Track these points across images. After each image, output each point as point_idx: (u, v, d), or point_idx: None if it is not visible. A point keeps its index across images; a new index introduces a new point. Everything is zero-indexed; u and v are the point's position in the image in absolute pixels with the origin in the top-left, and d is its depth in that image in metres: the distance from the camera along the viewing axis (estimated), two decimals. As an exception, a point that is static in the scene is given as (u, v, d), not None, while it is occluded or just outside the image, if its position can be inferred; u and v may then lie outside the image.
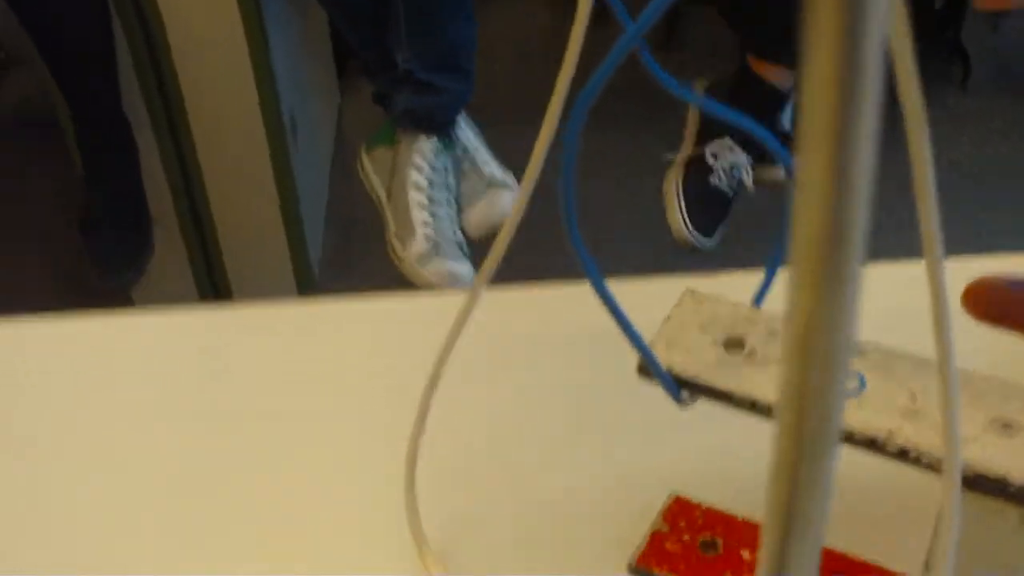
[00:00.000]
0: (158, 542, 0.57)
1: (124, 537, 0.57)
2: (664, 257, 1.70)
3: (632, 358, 0.45)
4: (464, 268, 1.69)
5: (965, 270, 0.47)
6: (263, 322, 0.69)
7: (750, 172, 1.70)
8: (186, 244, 1.69)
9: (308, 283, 1.74)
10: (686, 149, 1.76)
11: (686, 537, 0.52)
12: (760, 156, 1.72)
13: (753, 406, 0.42)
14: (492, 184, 1.76)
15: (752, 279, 0.48)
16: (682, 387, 0.42)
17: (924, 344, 0.43)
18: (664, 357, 0.42)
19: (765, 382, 0.42)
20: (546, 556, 0.54)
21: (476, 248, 1.74)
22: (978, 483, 0.40)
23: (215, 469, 0.60)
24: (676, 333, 0.43)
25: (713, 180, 1.68)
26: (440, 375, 0.50)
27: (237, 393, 0.64)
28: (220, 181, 1.65)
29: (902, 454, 0.41)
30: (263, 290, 1.74)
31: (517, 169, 1.81)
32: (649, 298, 0.49)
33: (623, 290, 0.52)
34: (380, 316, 0.70)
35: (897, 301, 0.52)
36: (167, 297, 1.69)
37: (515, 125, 1.84)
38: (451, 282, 1.66)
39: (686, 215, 1.68)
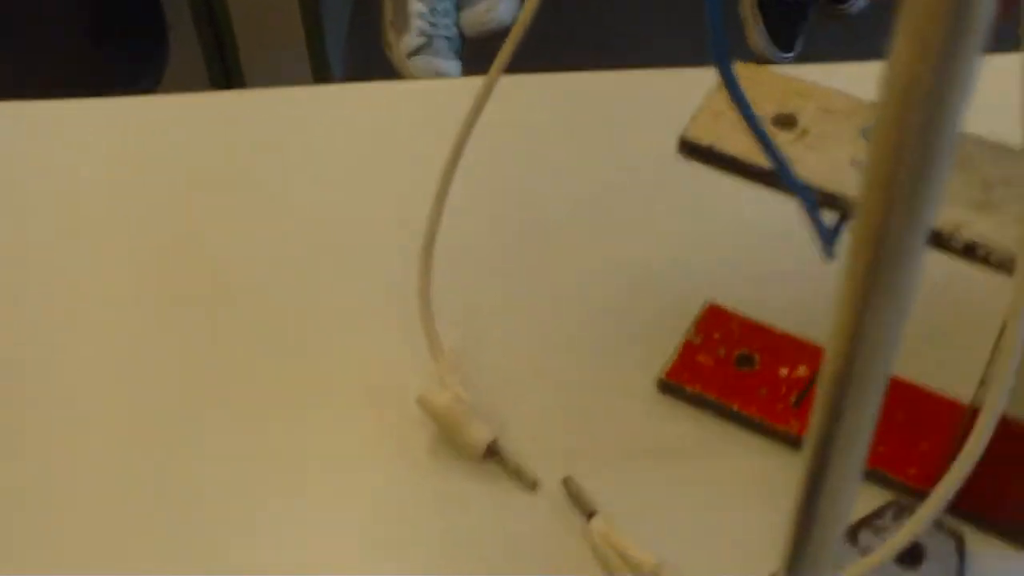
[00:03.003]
0: (170, 348, 0.54)
1: (128, 338, 0.54)
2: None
3: (663, 144, 0.40)
4: (453, 66, 1.68)
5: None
6: (279, 105, 0.65)
7: None
8: (203, 52, 1.63)
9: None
10: None
11: (721, 351, 0.48)
12: None
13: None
14: None
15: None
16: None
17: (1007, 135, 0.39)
18: (708, 131, 0.38)
19: (819, 165, 0.37)
20: (567, 367, 0.50)
21: (469, 46, 1.69)
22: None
23: (225, 253, 0.56)
24: (722, 106, 0.38)
25: None
26: (458, 159, 0.45)
27: (252, 175, 0.60)
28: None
29: (968, 250, 0.37)
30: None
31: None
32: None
33: (682, 77, 0.46)
34: (395, 100, 0.65)
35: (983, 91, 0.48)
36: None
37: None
38: (438, 78, 1.64)
39: (767, 34, 1.64)
